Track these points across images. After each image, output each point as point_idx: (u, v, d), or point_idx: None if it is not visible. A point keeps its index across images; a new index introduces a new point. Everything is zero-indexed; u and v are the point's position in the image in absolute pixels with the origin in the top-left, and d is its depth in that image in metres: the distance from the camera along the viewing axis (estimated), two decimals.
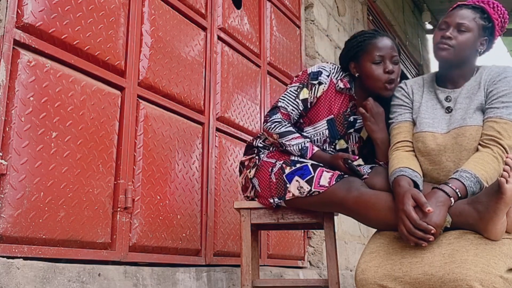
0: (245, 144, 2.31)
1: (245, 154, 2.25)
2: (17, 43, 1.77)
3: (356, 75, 2.10)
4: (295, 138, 2.05)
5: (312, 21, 4.07)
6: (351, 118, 2.14)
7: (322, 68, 2.12)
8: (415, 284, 1.63)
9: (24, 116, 1.74)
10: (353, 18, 5.03)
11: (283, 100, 2.11)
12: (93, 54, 2.05)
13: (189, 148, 2.55)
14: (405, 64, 6.95)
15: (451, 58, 1.86)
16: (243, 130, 3.03)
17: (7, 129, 1.69)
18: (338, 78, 2.13)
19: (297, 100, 2.09)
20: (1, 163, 1.65)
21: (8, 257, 1.59)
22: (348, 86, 2.12)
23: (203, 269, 2.42)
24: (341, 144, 2.14)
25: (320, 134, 2.11)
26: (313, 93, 2.09)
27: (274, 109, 2.11)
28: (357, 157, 2.00)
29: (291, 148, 2.04)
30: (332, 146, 2.14)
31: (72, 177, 1.88)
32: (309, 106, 2.11)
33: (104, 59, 2.10)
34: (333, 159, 2.00)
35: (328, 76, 2.11)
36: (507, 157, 1.60)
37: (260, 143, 2.19)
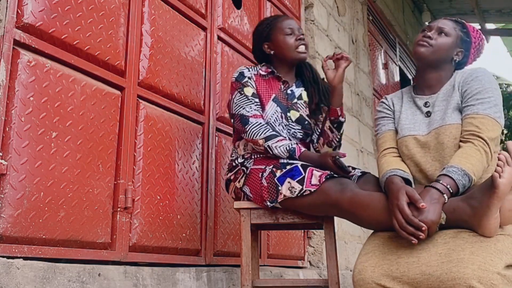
0: (227, 165, 2.34)
1: (228, 173, 2.28)
2: (17, 43, 1.77)
3: (272, 52, 2.32)
4: (281, 140, 2.09)
5: (312, 21, 4.07)
6: (289, 91, 2.32)
7: (240, 70, 2.30)
8: (413, 283, 1.64)
9: (24, 116, 1.74)
10: (353, 18, 5.03)
11: (241, 107, 2.18)
12: (93, 54, 2.05)
13: (189, 148, 2.55)
14: (405, 63, 6.95)
15: (428, 56, 1.98)
16: None
17: (7, 129, 1.69)
18: (258, 69, 2.32)
19: (249, 98, 2.20)
20: (1, 163, 1.65)
21: (8, 257, 1.59)
22: (270, 70, 2.32)
23: (203, 269, 2.42)
24: (293, 114, 2.28)
25: (275, 112, 2.22)
26: (252, 87, 2.23)
27: (243, 118, 2.15)
28: (346, 154, 2.03)
29: (279, 150, 2.07)
30: (290, 119, 2.25)
31: (72, 177, 1.88)
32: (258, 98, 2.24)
33: (104, 59, 2.10)
34: (321, 157, 2.04)
35: (249, 71, 2.29)
36: (500, 153, 1.65)
37: (240, 160, 2.22)
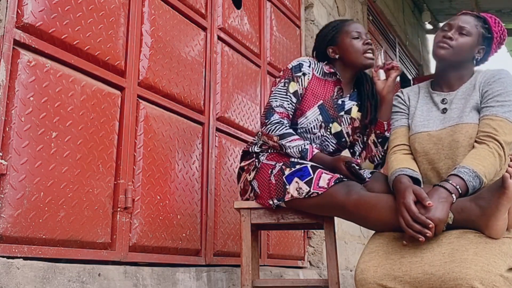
0: (243, 148, 2.30)
1: (242, 160, 2.25)
2: (17, 43, 1.77)
3: (337, 56, 2.21)
4: (295, 140, 2.05)
5: (312, 21, 4.07)
6: (340, 101, 2.21)
7: (302, 61, 2.21)
8: (415, 283, 1.63)
9: (24, 116, 1.74)
10: (353, 18, 5.03)
11: (275, 99, 2.13)
12: (93, 54, 2.05)
13: (189, 148, 2.55)
14: (405, 64, 6.94)
15: (448, 58, 1.94)
16: (243, 130, 3.03)
17: (7, 129, 1.69)
18: (320, 66, 2.22)
19: (288, 94, 2.13)
20: (1, 163, 1.65)
21: (8, 257, 1.59)
22: (332, 70, 2.21)
23: (203, 269, 2.42)
24: (335, 127, 2.19)
25: (314, 120, 2.15)
26: (300, 84, 2.16)
27: (270, 111, 2.11)
28: (359, 160, 2.01)
29: (291, 150, 2.04)
30: (328, 131, 2.18)
31: (72, 177, 1.88)
32: (299, 98, 2.15)
33: (104, 59, 2.10)
34: (335, 161, 2.00)
35: (309, 66, 2.19)
36: None
37: (257, 149, 2.19)
